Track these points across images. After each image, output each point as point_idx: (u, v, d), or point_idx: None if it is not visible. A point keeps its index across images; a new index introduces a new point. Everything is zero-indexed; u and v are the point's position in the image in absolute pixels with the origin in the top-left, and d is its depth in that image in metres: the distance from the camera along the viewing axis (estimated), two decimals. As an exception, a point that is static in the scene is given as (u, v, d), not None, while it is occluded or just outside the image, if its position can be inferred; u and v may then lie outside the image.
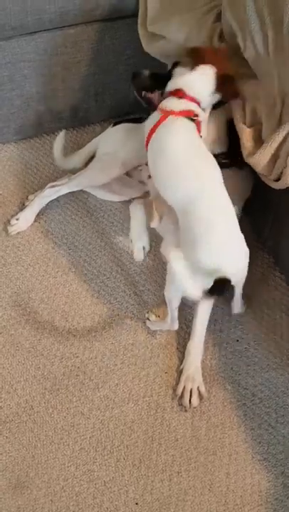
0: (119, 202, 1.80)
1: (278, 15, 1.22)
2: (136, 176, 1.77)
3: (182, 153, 1.29)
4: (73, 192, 1.77)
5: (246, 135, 1.35)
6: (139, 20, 1.72)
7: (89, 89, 1.92)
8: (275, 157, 1.29)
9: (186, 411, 1.40)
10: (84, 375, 1.46)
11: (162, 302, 1.47)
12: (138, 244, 1.46)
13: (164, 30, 1.62)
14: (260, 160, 1.30)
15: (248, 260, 1.30)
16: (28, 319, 1.54)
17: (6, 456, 1.32)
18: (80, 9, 1.69)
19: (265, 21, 1.26)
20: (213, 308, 1.58)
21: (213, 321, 1.57)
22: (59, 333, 1.52)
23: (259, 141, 1.33)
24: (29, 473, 1.31)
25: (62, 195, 1.76)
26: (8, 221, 1.73)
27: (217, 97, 1.36)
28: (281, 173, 1.28)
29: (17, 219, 1.72)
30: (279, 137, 1.25)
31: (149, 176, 1.46)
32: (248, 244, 1.29)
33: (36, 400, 1.41)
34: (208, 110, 1.38)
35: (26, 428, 1.37)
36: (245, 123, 1.36)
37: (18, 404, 1.40)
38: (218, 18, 1.47)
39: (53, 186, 1.74)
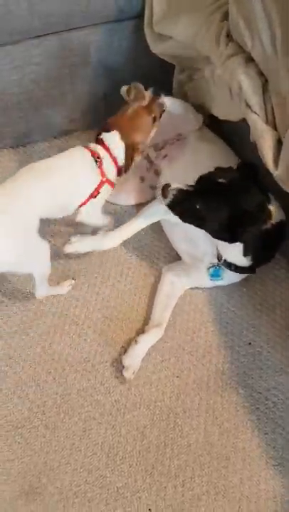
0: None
1: (286, 13, 1.19)
2: (148, 180, 1.80)
3: None
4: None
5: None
6: (146, 21, 1.71)
7: (98, 91, 1.91)
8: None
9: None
10: (95, 379, 1.46)
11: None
12: (130, 370, 1.46)
13: (170, 30, 1.60)
14: (282, 165, 1.27)
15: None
16: (39, 323, 1.54)
17: (18, 463, 1.33)
18: (86, 11, 1.67)
19: (272, 19, 1.24)
20: (224, 311, 1.57)
21: (224, 323, 1.55)
22: (70, 337, 1.51)
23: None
24: (41, 479, 1.30)
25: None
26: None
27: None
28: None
29: None
30: (288, 136, 1.23)
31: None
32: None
33: (48, 405, 1.41)
34: None
35: (38, 433, 1.37)
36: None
37: (29, 410, 1.40)
38: (225, 16, 1.45)
39: None
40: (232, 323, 1.56)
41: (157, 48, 1.71)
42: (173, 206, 1.39)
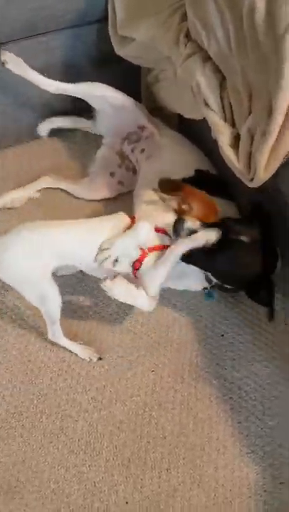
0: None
1: (237, 11, 1.23)
2: (118, 176, 1.83)
3: None
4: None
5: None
6: (110, 24, 1.74)
7: (66, 94, 1.93)
8: (249, 153, 1.30)
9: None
10: (71, 378, 1.48)
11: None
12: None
13: (133, 32, 1.63)
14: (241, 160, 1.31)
15: None
16: (14, 326, 1.56)
17: (-4, 463, 1.34)
18: (50, 16, 1.70)
19: (225, 18, 1.27)
20: (197, 305, 1.60)
21: (197, 317, 1.58)
22: (45, 338, 1.52)
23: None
24: (20, 478, 1.32)
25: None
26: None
27: None
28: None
29: None
30: (245, 128, 1.26)
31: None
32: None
33: (25, 406, 1.43)
34: None
35: (16, 434, 1.38)
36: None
37: (6, 411, 1.42)
38: (184, 17, 1.49)
39: None
40: (205, 316, 1.58)
41: (122, 50, 1.73)
42: (189, 256, 1.35)
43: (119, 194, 1.83)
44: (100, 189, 1.82)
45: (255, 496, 1.28)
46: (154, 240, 1.39)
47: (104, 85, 1.70)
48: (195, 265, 1.39)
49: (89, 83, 1.70)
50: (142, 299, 1.37)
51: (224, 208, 1.47)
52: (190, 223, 1.34)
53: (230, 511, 1.27)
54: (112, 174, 1.83)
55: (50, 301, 1.41)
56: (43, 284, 1.39)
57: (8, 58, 1.63)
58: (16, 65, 1.64)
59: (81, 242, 1.41)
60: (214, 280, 1.45)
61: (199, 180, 1.59)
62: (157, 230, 1.39)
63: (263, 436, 1.37)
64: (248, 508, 1.27)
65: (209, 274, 1.44)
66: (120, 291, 1.36)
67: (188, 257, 1.35)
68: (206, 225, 1.35)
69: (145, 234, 1.36)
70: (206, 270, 1.43)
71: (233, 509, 1.27)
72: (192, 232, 1.33)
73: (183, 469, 1.33)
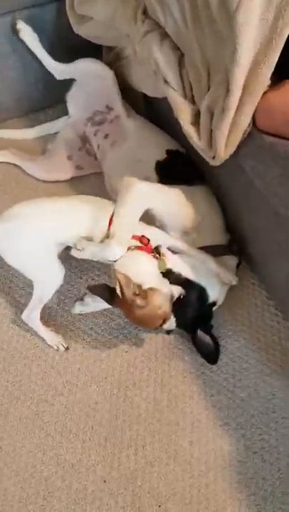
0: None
1: (192, -14, 1.22)
2: (76, 159, 1.81)
3: None
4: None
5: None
6: (67, 3, 1.70)
7: (29, 77, 1.89)
8: (210, 130, 1.29)
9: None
10: (45, 363, 1.48)
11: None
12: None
13: (91, 11, 1.61)
14: (203, 137, 1.30)
15: None
16: (-14, 315, 1.55)
17: (-27, 451, 1.35)
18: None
19: (180, -7, 1.26)
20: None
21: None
22: (17, 325, 1.53)
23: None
24: (-3, 465, 1.33)
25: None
26: None
27: None
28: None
29: None
30: (204, 105, 1.26)
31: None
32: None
33: (-1, 393, 1.43)
34: None
35: (-9, 421, 1.39)
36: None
37: (-19, 400, 1.42)
38: (141, -6, 1.46)
39: None
40: (176, 295, 1.60)
41: (80, 30, 1.71)
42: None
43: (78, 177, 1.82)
44: (53, 170, 1.80)
45: (229, 467, 1.32)
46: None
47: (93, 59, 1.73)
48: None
49: (83, 60, 1.72)
50: (109, 251, 1.35)
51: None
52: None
53: (206, 483, 1.31)
54: (69, 157, 1.81)
55: (52, 283, 1.45)
56: (50, 263, 1.42)
57: (24, 28, 1.69)
58: (30, 38, 1.72)
59: (70, 218, 1.42)
60: None
61: (172, 162, 1.59)
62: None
63: (235, 408, 1.40)
64: (222, 479, 1.31)
65: None
66: (87, 251, 1.37)
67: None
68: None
69: (113, 257, 1.35)
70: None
71: (209, 481, 1.31)
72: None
73: (158, 445, 1.35)
